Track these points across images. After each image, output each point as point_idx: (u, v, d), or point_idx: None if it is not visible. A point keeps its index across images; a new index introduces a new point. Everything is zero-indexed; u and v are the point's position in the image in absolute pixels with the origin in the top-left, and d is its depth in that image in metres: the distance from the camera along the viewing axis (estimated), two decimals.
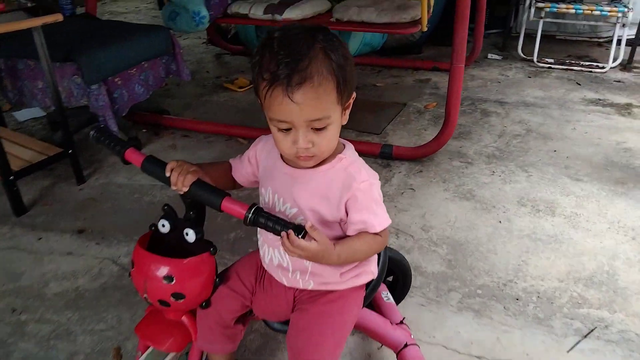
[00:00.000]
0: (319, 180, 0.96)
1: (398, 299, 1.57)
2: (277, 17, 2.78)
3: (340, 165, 0.97)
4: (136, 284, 1.01)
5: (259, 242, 1.09)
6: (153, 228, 1.05)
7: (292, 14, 2.74)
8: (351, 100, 0.95)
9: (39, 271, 1.81)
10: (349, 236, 0.98)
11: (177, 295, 0.98)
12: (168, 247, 1.02)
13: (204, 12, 2.80)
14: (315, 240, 0.88)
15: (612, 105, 3.10)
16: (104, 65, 2.35)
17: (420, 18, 2.58)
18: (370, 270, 1.08)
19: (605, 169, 2.40)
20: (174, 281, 0.97)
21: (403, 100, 3.27)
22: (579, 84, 3.43)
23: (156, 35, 2.62)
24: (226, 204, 0.93)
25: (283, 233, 0.87)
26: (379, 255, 1.14)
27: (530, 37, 3.94)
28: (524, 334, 1.52)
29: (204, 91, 3.53)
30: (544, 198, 2.19)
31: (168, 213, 1.03)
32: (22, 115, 3.19)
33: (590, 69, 3.65)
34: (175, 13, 2.91)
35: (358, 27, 2.72)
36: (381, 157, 2.51)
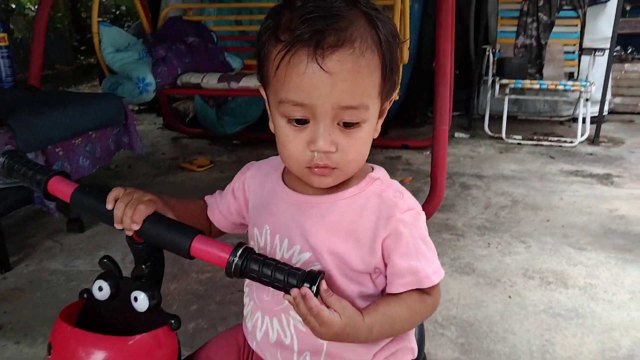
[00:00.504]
0: (342, 211, 0.67)
1: None
2: (234, 85, 2.59)
3: (372, 190, 0.68)
4: None
5: (246, 310, 0.76)
6: (85, 295, 0.71)
7: (250, 82, 2.56)
8: (388, 105, 0.68)
9: None
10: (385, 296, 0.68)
11: None
12: (106, 320, 0.68)
13: (150, 79, 2.59)
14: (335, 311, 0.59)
15: (591, 175, 2.99)
16: (43, 132, 2.04)
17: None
18: (410, 347, 0.75)
19: (606, 237, 2.21)
20: None
21: None
22: (553, 158, 3.36)
23: (106, 103, 2.36)
24: (199, 246, 0.62)
25: (295, 290, 0.56)
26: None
27: (492, 117, 3.93)
28: None
29: (159, 172, 3.22)
30: (550, 269, 1.95)
31: (108, 271, 0.70)
32: None
33: (560, 144, 3.61)
34: (117, 83, 2.70)
35: None
36: None
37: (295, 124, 0.61)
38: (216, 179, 3.05)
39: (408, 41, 2.70)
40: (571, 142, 3.59)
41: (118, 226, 0.65)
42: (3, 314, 1.68)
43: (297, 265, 0.63)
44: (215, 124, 3.71)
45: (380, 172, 0.71)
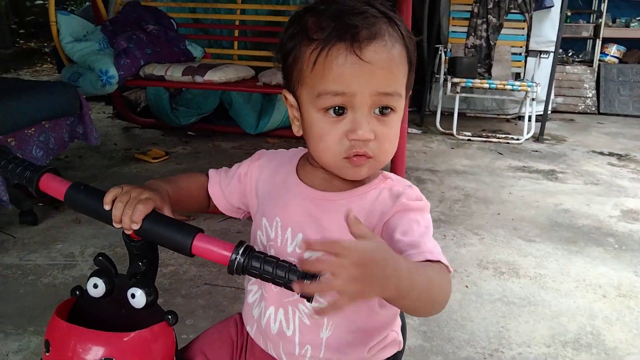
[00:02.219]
0: (359, 205, 0.69)
1: None
2: (198, 79, 2.57)
3: (384, 186, 0.71)
4: None
5: (249, 300, 0.77)
6: (78, 292, 0.70)
7: (214, 76, 2.54)
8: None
9: None
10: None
11: None
12: (101, 316, 0.68)
13: (112, 71, 2.52)
14: (363, 238, 0.51)
15: (537, 171, 3.16)
16: None
17: None
18: (398, 340, 0.80)
19: (553, 229, 2.35)
20: None
21: None
22: (501, 154, 3.52)
23: (60, 92, 2.27)
24: (200, 244, 0.63)
25: (296, 286, 0.55)
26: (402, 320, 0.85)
27: (443, 114, 4.07)
28: None
29: (112, 163, 3.13)
30: (503, 260, 2.06)
31: (103, 268, 0.70)
32: None
33: (508, 141, 3.78)
34: (78, 74, 2.61)
35: None
36: None
37: (333, 114, 0.63)
38: (172, 170, 3.00)
39: None
40: (517, 140, 3.77)
41: (117, 225, 0.64)
42: None
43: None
44: (169, 115, 3.64)
45: (391, 174, 0.74)
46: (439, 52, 4.02)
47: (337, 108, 0.63)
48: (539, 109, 3.95)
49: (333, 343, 0.71)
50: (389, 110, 0.65)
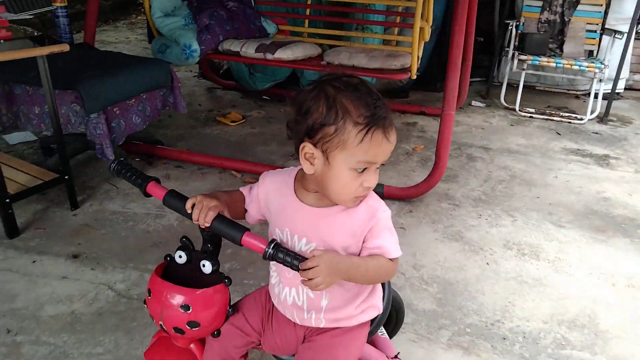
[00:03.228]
0: (346, 217, 1.00)
1: (391, 334, 1.61)
2: (269, 56, 2.87)
3: (364, 204, 1.01)
4: (152, 312, 1.03)
5: (272, 282, 1.12)
6: (168, 258, 1.08)
7: (283, 54, 2.84)
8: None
9: (34, 294, 1.80)
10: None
11: (193, 324, 1.01)
12: (182, 276, 1.05)
13: (195, 46, 2.89)
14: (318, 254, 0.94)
15: (590, 155, 3.25)
16: (104, 95, 2.40)
17: (410, 66, 2.71)
18: (377, 305, 1.13)
19: (586, 217, 2.51)
20: (191, 310, 1.00)
21: None
22: (559, 134, 3.60)
23: (156, 69, 2.69)
24: (246, 239, 0.97)
25: (304, 268, 0.92)
26: (384, 291, 1.19)
27: (511, 86, 4.13)
28: None
29: (197, 123, 3.58)
30: (528, 242, 2.27)
31: (185, 245, 1.07)
32: (13, 138, 3.19)
33: (570, 121, 3.83)
34: (165, 46, 2.99)
35: (347, 70, 2.80)
36: None
37: (358, 172, 0.94)
38: (247, 134, 3.40)
39: (431, 22, 2.90)
40: (580, 119, 3.81)
41: (195, 222, 0.99)
42: (78, 245, 2.11)
43: None
44: (247, 79, 4.01)
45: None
46: (510, 27, 4.05)
47: (362, 171, 0.94)
48: (608, 87, 3.91)
49: (329, 308, 1.06)
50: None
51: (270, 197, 1.08)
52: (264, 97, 4.09)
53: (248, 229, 0.99)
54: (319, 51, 3.07)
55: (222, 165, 2.85)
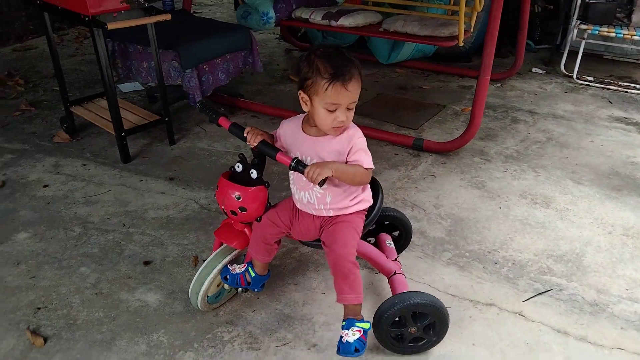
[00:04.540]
0: (333, 142, 1.49)
1: (400, 250, 2.09)
2: (333, 23, 3.30)
3: (345, 133, 1.49)
4: (218, 199, 1.59)
5: (294, 191, 1.63)
6: (232, 168, 1.62)
7: (345, 21, 3.26)
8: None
9: (141, 202, 2.46)
10: None
11: (242, 209, 1.55)
12: (239, 179, 1.59)
13: (272, 13, 3.38)
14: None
15: (635, 124, 3.41)
16: (197, 55, 2.98)
17: (458, 34, 3.03)
18: (367, 199, 1.62)
19: (607, 177, 2.76)
20: (241, 199, 1.54)
21: (444, 102, 3.73)
22: (611, 102, 3.75)
23: (239, 33, 3.23)
24: (279, 156, 1.47)
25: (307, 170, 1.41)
26: (375, 197, 1.66)
27: (575, 54, 4.25)
28: (493, 286, 1.99)
29: (273, 81, 4.12)
30: (543, 194, 2.60)
31: (242, 159, 1.60)
32: (125, 87, 3.92)
33: (627, 90, 3.94)
34: (247, 12, 3.50)
35: (400, 37, 3.19)
36: (413, 147, 2.99)
37: (329, 111, 1.41)
38: None
39: None
40: (639, 89, 3.90)
41: (247, 143, 1.51)
42: (173, 171, 2.75)
43: None
44: (320, 41, 4.47)
45: (351, 125, 1.51)
46: None
47: (333, 110, 1.41)
48: None
49: (332, 202, 1.55)
50: (352, 107, 1.42)
51: (287, 134, 1.58)
52: None
53: (280, 150, 1.49)
54: (380, 18, 3.45)
55: (290, 117, 3.37)
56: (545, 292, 1.97)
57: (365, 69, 4.73)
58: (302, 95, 1.45)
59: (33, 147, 2.99)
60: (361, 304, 1.55)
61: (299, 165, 1.43)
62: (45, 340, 1.68)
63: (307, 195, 1.58)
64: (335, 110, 1.41)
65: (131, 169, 2.76)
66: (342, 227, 1.55)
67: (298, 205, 1.63)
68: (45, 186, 2.59)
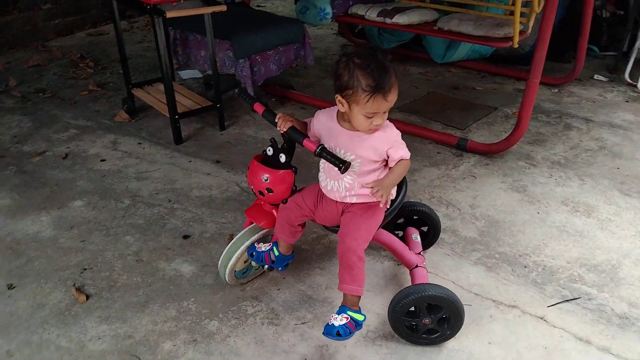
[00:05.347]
0: (368, 138, 1.54)
1: (428, 245, 2.11)
2: (388, 20, 3.32)
3: (382, 131, 1.55)
4: (248, 180, 1.69)
5: (321, 179, 1.70)
6: (263, 152, 1.71)
7: (400, 19, 3.27)
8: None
9: (187, 181, 2.61)
10: (391, 167, 1.59)
11: (269, 190, 1.64)
12: (270, 162, 1.68)
13: (328, 9, 3.44)
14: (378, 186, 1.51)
15: None
16: (250, 46, 3.11)
17: (512, 36, 2.99)
18: (391, 192, 1.66)
19: None
20: (268, 181, 1.63)
21: (495, 104, 3.67)
22: None
23: (292, 27, 3.33)
24: (305, 142, 1.55)
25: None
26: (399, 190, 1.70)
27: None
28: (518, 289, 1.97)
29: (326, 75, 4.20)
30: (586, 202, 2.53)
31: (273, 143, 1.69)
32: (185, 74, 4.11)
33: None
34: (306, 8, 3.58)
35: (453, 36, 3.18)
36: (457, 147, 2.98)
37: (368, 117, 1.47)
38: None
39: None
40: None
41: (278, 128, 1.59)
42: (220, 154, 2.89)
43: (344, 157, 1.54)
44: (376, 39, 4.50)
45: (385, 123, 1.56)
46: None
47: (371, 116, 1.46)
48: None
49: (358, 192, 1.61)
50: (387, 112, 1.48)
51: (321, 126, 1.64)
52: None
53: (308, 136, 1.57)
54: (435, 16, 3.44)
55: None
56: (572, 299, 1.94)
57: (418, 67, 4.76)
58: (339, 99, 1.50)
59: (96, 124, 3.23)
60: (360, 296, 1.60)
61: (324, 152, 1.49)
62: (88, 297, 1.85)
63: (336, 185, 1.64)
64: (373, 116, 1.47)
65: (182, 150, 2.93)
66: (359, 219, 1.60)
67: (324, 191, 1.70)
68: (102, 160, 2.80)
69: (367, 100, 1.42)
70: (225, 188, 2.56)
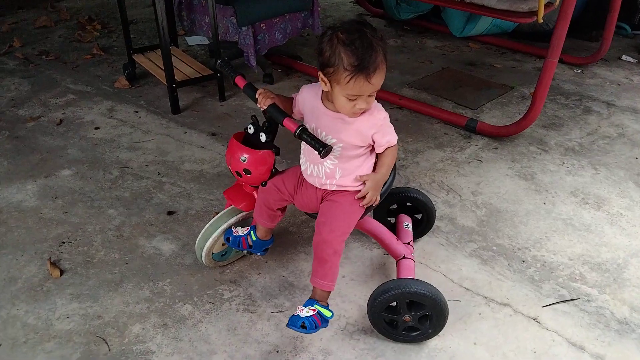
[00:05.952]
0: (353, 121, 1.42)
1: (420, 234, 2.01)
2: None
3: (368, 114, 1.42)
4: (227, 159, 1.59)
5: (302, 161, 1.59)
6: (245, 129, 1.61)
7: None
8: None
9: (180, 153, 2.53)
10: (379, 155, 1.51)
11: (247, 171, 1.55)
12: (251, 142, 1.57)
13: None
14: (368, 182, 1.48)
15: None
16: (254, 12, 2.96)
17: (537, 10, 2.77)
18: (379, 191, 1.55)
19: None
20: (246, 161, 1.53)
21: (512, 84, 3.48)
22: None
23: None
24: (285, 122, 1.44)
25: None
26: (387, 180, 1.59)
27: None
28: (513, 285, 1.86)
29: None
30: (598, 194, 2.38)
31: (254, 121, 1.58)
32: (192, 40, 3.99)
33: None
34: None
35: (475, 9, 2.97)
36: (465, 128, 2.83)
37: (350, 99, 1.34)
38: None
39: None
40: None
41: (257, 105, 1.48)
42: (217, 126, 2.79)
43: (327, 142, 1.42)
44: (393, 9, 4.29)
45: (374, 104, 1.43)
46: None
47: (353, 98, 1.34)
48: None
49: (340, 180, 1.50)
50: (373, 94, 1.35)
51: (306, 102, 1.52)
52: (406, 27, 4.35)
53: (289, 115, 1.46)
54: None
55: None
56: (570, 300, 1.82)
57: (435, 40, 4.54)
58: (320, 76, 1.38)
59: (95, 90, 3.15)
60: (330, 292, 1.51)
61: (304, 134, 1.38)
62: (62, 272, 1.80)
63: (316, 170, 1.53)
64: (356, 98, 1.35)
65: (179, 120, 2.84)
66: (339, 208, 1.50)
67: (304, 175, 1.60)
68: (96, 128, 2.73)
69: (348, 81, 1.29)
70: (218, 163, 2.47)
